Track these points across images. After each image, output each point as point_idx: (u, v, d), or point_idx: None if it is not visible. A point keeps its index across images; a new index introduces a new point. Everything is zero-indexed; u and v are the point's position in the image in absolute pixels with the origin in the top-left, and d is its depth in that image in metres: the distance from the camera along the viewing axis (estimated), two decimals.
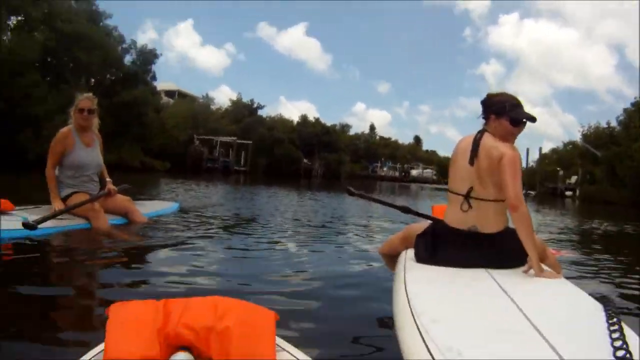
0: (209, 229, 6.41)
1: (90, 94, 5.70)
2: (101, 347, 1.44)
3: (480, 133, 3.36)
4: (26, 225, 4.54)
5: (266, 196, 16.04)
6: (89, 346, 1.54)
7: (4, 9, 25.98)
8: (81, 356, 1.47)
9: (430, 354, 1.70)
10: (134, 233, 5.52)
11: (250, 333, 1.41)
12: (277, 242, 5.94)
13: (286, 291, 3.54)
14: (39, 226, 4.64)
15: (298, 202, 15.09)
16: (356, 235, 7.19)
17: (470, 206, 3.27)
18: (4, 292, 3.10)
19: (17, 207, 5.12)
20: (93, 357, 1.45)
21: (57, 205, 5.25)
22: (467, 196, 3.28)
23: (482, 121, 3.43)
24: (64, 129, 5.53)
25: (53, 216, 4.99)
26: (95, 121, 5.73)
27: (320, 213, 10.78)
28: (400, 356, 1.95)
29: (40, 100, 25.50)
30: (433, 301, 2.41)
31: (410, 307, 2.24)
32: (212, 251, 4.95)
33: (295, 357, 1.52)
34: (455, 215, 3.36)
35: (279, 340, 1.54)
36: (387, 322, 2.78)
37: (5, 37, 25.66)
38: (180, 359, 1.33)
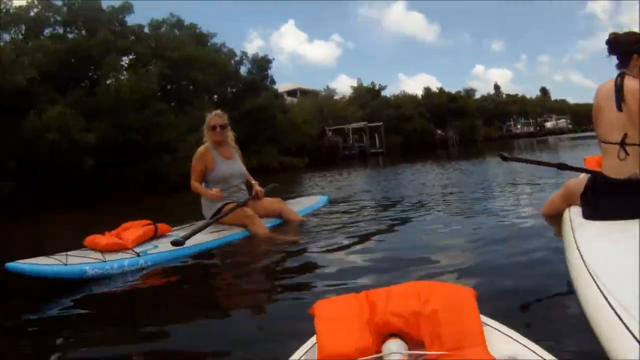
0: (364, 216, 6.41)
1: (219, 111, 5.96)
2: (310, 343, 1.58)
3: (620, 77, 3.22)
4: (175, 243, 4.81)
5: (409, 174, 15.70)
6: (295, 344, 1.63)
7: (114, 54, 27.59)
8: (292, 354, 1.56)
9: (617, 314, 1.64)
10: (292, 232, 5.63)
11: (456, 312, 1.43)
12: (434, 217, 5.83)
13: (460, 265, 3.50)
14: (189, 242, 4.88)
15: (442, 174, 14.69)
16: (511, 198, 7.02)
17: (627, 153, 3.13)
18: (203, 307, 3.34)
19: (174, 228, 5.38)
20: (305, 352, 1.54)
21: (213, 192, 5.52)
22: (622, 143, 3.12)
23: (610, 62, 3.33)
24: (201, 148, 5.78)
25: (200, 229, 5.18)
26: (230, 135, 5.94)
27: (468, 182, 10.46)
28: (584, 318, 1.90)
29: (169, 125, 26.66)
30: (608, 259, 2.34)
31: (587, 267, 2.18)
32: (373, 237, 4.88)
33: (499, 330, 1.51)
34: (612, 165, 3.22)
35: (482, 316, 1.51)
36: (564, 284, 2.71)
37: (122, 77, 27.07)
38: (393, 346, 1.37)
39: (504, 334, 1.49)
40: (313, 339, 1.57)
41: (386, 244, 4.73)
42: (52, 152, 22.86)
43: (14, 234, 13.01)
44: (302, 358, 1.53)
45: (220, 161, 5.77)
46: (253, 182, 6.08)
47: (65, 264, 4.18)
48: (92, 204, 20.62)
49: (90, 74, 29.28)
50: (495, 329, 1.51)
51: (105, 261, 4.39)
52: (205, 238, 5.16)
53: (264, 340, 2.63)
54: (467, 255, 3.91)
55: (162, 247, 4.83)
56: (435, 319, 1.37)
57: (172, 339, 2.83)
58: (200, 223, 5.41)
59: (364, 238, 4.91)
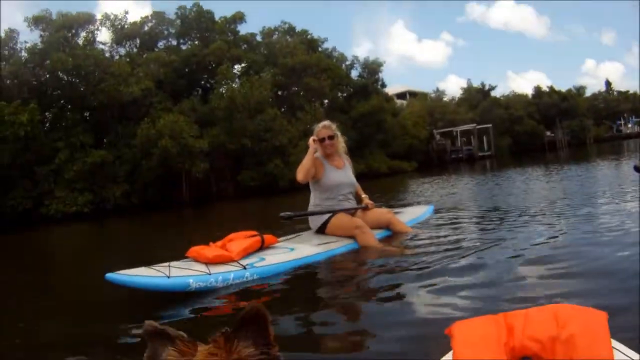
0: (472, 228, 6.03)
1: (327, 122, 5.65)
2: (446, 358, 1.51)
3: None
4: (284, 217, 4.94)
5: (519, 180, 14.35)
6: None
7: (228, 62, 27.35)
8: None
9: None
10: (403, 245, 5.10)
11: (592, 338, 1.37)
12: (546, 231, 5.23)
13: (580, 285, 3.22)
14: (297, 254, 4.63)
15: (553, 181, 13.41)
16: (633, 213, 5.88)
17: None
18: (313, 325, 3.10)
19: (281, 239, 5.09)
20: None
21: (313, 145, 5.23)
22: None
23: None
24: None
25: (310, 214, 5.28)
26: (340, 145, 5.60)
27: (581, 191, 9.25)
28: None
29: (281, 130, 25.85)
30: None
31: None
32: (482, 253, 4.37)
33: (628, 356, 1.44)
34: None
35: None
36: None
37: (235, 85, 26.60)
38: None
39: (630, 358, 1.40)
40: (446, 357, 1.52)
41: (497, 259, 4.13)
42: (165, 157, 22.61)
43: (118, 239, 12.94)
44: None
45: (330, 169, 5.41)
46: (363, 195, 5.74)
47: (168, 276, 3.90)
48: (200, 209, 20.46)
49: (203, 82, 29.47)
50: (624, 353, 1.40)
51: (210, 274, 4.07)
52: (312, 250, 4.83)
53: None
54: (584, 273, 3.47)
55: (269, 260, 4.50)
56: (572, 344, 1.31)
57: None
58: (313, 211, 5.38)
59: (474, 253, 4.42)
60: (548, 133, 57.41)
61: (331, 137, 5.39)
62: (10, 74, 25.02)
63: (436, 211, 7.38)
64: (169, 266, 4.09)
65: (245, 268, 4.27)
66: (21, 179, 22.43)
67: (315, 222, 5.42)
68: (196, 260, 4.30)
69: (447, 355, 1.53)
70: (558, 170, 16.91)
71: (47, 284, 5.99)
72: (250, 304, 0.82)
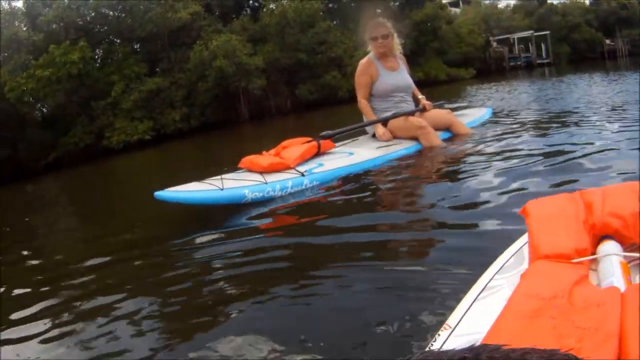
0: (531, 131, 5.38)
1: (380, 19, 5.25)
2: (519, 243, 1.47)
3: None
4: (323, 136, 4.44)
5: (576, 86, 12.91)
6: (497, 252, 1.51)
7: None
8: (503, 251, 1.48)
9: None
10: (465, 146, 4.71)
11: None
12: (603, 134, 4.49)
13: None
14: (357, 158, 4.36)
15: (612, 89, 11.36)
16: None
17: None
18: (378, 231, 2.84)
19: (338, 144, 4.79)
20: (514, 253, 1.44)
21: (380, 130, 4.85)
22: None
23: None
24: (363, 60, 5.13)
25: (354, 129, 4.96)
26: (395, 45, 5.12)
27: None
28: None
29: (336, 42, 24.38)
30: None
31: None
32: (546, 156, 3.81)
33: None
34: None
35: None
36: None
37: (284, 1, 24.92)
38: (609, 248, 1.24)
39: None
40: (522, 240, 1.48)
41: (558, 160, 3.54)
42: (221, 77, 21.45)
43: (180, 161, 12.97)
44: (512, 258, 1.41)
45: (384, 73, 5.02)
46: (420, 96, 5.29)
47: (222, 189, 3.60)
48: (259, 125, 20.05)
49: (251, 1, 27.65)
50: None
51: (266, 183, 3.78)
52: (373, 153, 4.47)
53: (465, 250, 2.23)
54: None
55: (328, 165, 4.15)
56: None
57: (345, 272, 2.27)
58: (359, 125, 5.02)
59: (538, 153, 3.87)
60: (608, 41, 53.24)
61: (385, 36, 4.97)
62: (56, 17, 24.23)
63: (495, 113, 6.96)
64: (222, 179, 3.76)
65: (303, 175, 3.98)
66: (79, 116, 22.02)
67: (371, 129, 5.11)
68: (250, 170, 4.02)
69: (521, 238, 1.49)
70: (619, 78, 15.14)
71: (114, 210, 6.26)
72: None
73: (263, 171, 3.92)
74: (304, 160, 4.19)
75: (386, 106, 5.03)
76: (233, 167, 4.31)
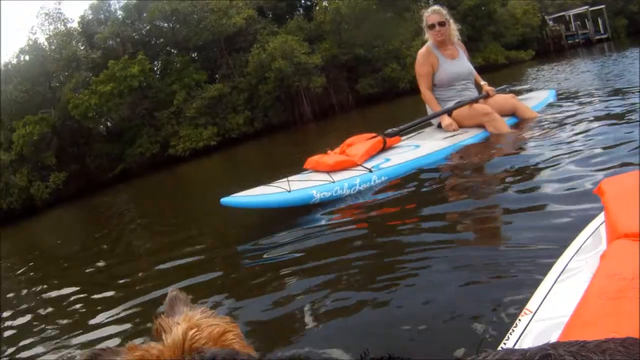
0: (596, 108, 5.05)
1: (436, 6, 5.08)
2: (595, 223, 1.43)
3: None
4: (388, 134, 4.35)
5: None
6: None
7: None
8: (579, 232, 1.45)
9: None
10: (533, 131, 4.45)
11: None
12: None
13: None
14: (424, 150, 4.20)
15: None
16: None
17: None
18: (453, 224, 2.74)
19: (404, 138, 4.74)
20: (592, 232, 1.41)
21: (447, 121, 4.71)
22: None
23: None
24: (422, 50, 5.00)
25: (418, 123, 4.79)
26: (452, 32, 4.99)
27: None
28: None
29: (392, 34, 23.66)
30: None
31: None
32: (612, 129, 3.80)
33: None
34: None
35: None
36: None
37: None
38: None
39: None
40: (598, 219, 1.45)
41: (628, 138, 3.29)
42: (281, 79, 21.33)
43: (247, 164, 12.92)
44: (589, 239, 1.37)
45: (444, 61, 4.86)
46: (482, 82, 5.12)
47: (289, 191, 3.55)
48: (322, 123, 19.74)
49: (303, 0, 27.44)
50: None
51: (333, 182, 3.69)
52: (439, 144, 4.30)
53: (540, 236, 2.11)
54: None
55: (395, 160, 4.03)
56: None
57: (423, 262, 2.24)
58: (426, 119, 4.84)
59: (605, 133, 3.66)
60: None
61: (442, 24, 4.82)
62: (112, 34, 24.66)
63: (558, 95, 6.63)
64: (288, 181, 3.72)
65: (371, 171, 3.85)
66: (144, 127, 22.18)
67: (434, 120, 4.95)
68: (316, 170, 3.98)
69: (597, 218, 1.45)
70: None
71: (183, 215, 6.32)
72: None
73: (329, 170, 3.87)
74: (370, 156, 4.13)
75: (449, 95, 4.91)
76: (299, 167, 4.26)
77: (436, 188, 3.48)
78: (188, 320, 0.77)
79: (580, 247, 1.38)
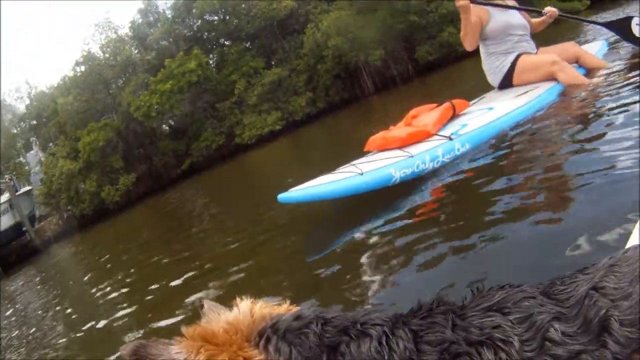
0: None
1: None
2: None
3: None
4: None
5: None
6: None
7: None
8: None
9: None
10: (603, 80, 3.86)
11: None
12: None
13: None
14: (502, 109, 3.66)
15: None
16: None
17: None
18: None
19: (472, 102, 4.24)
20: None
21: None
22: None
23: None
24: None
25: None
26: None
27: None
28: None
29: (439, 4, 22.51)
30: None
31: None
32: None
33: None
34: None
35: None
36: None
37: None
38: None
39: None
40: None
41: None
42: (339, 56, 20.89)
43: (314, 146, 12.26)
44: None
45: (495, 12, 4.32)
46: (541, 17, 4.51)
47: (362, 173, 2.99)
48: (384, 95, 18.96)
49: None
50: None
51: (412, 156, 3.11)
52: (515, 103, 3.71)
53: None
54: None
55: (473, 124, 3.45)
56: None
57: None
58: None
59: None
60: None
61: None
62: (164, 34, 24.72)
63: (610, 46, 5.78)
64: (353, 165, 3.21)
65: (451, 139, 3.29)
66: (207, 120, 22.18)
67: (495, 75, 4.43)
68: (382, 149, 3.42)
69: None
70: None
71: (254, 203, 6.01)
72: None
73: (402, 145, 3.31)
74: (443, 124, 3.60)
75: (505, 47, 4.39)
76: (367, 136, 3.74)
77: (526, 150, 2.98)
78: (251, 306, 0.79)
79: None
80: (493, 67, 4.46)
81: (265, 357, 0.71)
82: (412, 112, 3.84)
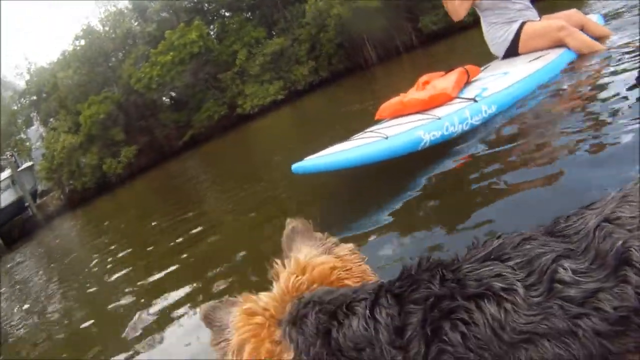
0: None
1: None
2: None
3: None
4: None
5: None
6: None
7: None
8: None
9: None
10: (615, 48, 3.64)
11: None
12: None
13: None
14: (518, 75, 3.43)
15: None
16: None
17: None
18: None
19: (482, 68, 4.09)
20: None
21: None
22: None
23: None
24: None
25: None
26: None
27: None
28: None
29: None
30: None
31: None
32: None
33: None
34: None
35: None
36: None
37: None
38: None
39: None
40: None
41: None
42: (342, 24, 20.48)
43: (316, 116, 12.19)
44: None
45: None
46: None
47: (386, 137, 2.71)
48: (388, 65, 18.68)
49: None
50: None
51: (439, 118, 2.88)
52: (531, 67, 3.50)
53: None
54: None
55: (493, 88, 3.26)
56: None
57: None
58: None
59: None
60: None
61: None
62: (164, 5, 24.37)
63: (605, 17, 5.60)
64: (373, 131, 2.90)
65: (475, 100, 3.06)
66: (209, 91, 21.95)
67: (499, 45, 4.25)
68: (399, 115, 3.17)
69: None
70: None
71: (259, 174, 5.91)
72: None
73: (423, 109, 3.08)
74: (461, 88, 3.39)
75: (508, 17, 4.19)
76: (371, 115, 3.54)
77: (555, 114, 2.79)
78: (297, 263, 0.79)
79: None
80: (497, 37, 4.28)
81: (284, 345, 0.72)
82: (423, 78, 3.65)
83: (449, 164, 2.79)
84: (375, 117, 3.39)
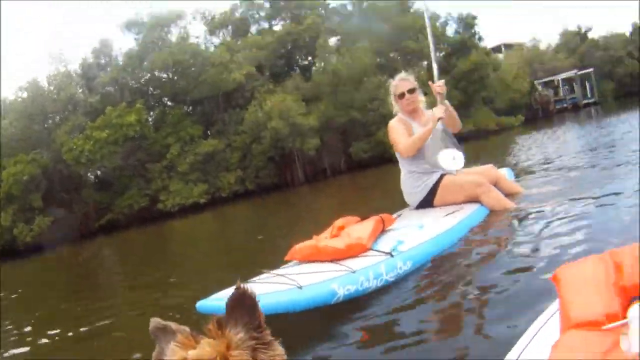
0: (574, 185, 4.83)
1: (403, 73, 4.65)
2: (551, 310, 1.40)
3: None
4: None
5: (622, 129, 11.47)
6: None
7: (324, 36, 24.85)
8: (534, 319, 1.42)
9: None
10: (524, 204, 4.22)
11: None
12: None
13: None
14: (429, 233, 3.49)
15: None
16: None
17: None
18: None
19: (394, 215, 4.11)
20: (546, 320, 1.37)
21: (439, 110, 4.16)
22: None
23: None
24: (392, 122, 4.52)
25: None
26: (422, 98, 4.56)
27: None
28: None
29: (386, 98, 22.22)
30: None
31: None
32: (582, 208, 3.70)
33: None
34: None
35: None
36: None
37: (334, 58, 24.34)
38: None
39: None
40: (554, 306, 1.39)
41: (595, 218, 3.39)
42: (276, 139, 20.85)
43: (237, 226, 12.10)
44: (543, 328, 1.34)
45: (419, 129, 4.31)
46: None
47: (300, 287, 2.59)
48: (314, 186, 19.26)
49: (301, 60, 27.11)
50: None
51: (354, 271, 2.80)
52: (445, 224, 3.65)
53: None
54: None
55: (410, 242, 3.26)
56: None
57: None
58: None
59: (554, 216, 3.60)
60: None
61: (412, 91, 4.43)
62: (112, 80, 24.22)
63: (516, 175, 6.29)
64: (283, 275, 2.77)
65: (391, 255, 3.06)
66: (135, 178, 21.63)
67: (415, 195, 4.39)
68: (310, 260, 3.08)
69: (552, 305, 1.41)
70: None
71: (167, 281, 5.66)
72: (236, 287, 0.77)
73: (337, 258, 2.98)
74: (376, 238, 3.38)
75: (426, 166, 4.36)
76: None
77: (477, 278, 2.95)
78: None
79: (534, 336, 1.34)
80: (414, 187, 4.39)
81: None
82: (339, 222, 3.57)
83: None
84: (286, 257, 3.22)
